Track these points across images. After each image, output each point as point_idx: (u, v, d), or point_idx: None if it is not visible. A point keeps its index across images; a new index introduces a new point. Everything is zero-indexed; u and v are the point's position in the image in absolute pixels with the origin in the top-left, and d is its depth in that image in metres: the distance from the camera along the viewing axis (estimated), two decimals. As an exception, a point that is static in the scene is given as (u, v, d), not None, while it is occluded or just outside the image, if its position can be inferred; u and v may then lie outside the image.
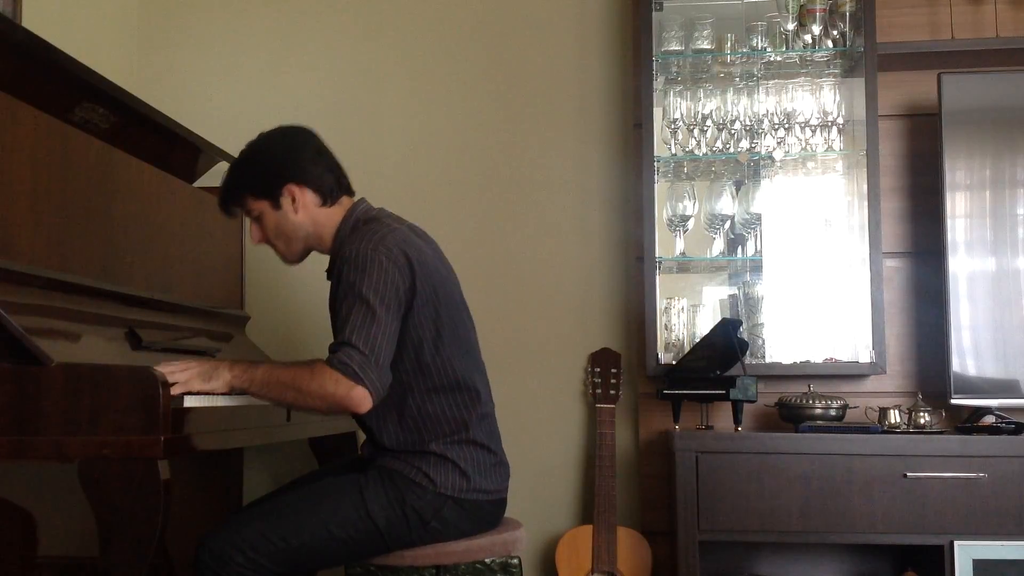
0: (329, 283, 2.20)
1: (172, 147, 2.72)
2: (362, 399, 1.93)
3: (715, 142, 3.05)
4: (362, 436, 2.26)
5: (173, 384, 1.81)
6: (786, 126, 3.01)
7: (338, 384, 1.92)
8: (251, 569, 1.93)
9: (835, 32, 3.00)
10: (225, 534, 1.96)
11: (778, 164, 3.06)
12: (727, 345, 2.76)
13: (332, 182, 2.21)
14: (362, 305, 1.99)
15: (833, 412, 2.78)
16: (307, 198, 2.19)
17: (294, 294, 3.28)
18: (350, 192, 2.27)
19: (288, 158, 2.20)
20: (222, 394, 1.97)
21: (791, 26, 3.01)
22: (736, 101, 3.05)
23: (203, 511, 2.83)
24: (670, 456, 2.76)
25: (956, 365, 2.82)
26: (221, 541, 1.94)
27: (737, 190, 3.08)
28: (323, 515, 2.01)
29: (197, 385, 1.91)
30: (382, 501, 2.03)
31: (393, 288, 2.02)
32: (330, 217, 2.21)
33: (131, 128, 2.48)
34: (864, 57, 2.92)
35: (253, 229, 2.25)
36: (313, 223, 2.20)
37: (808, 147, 3.02)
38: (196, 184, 2.93)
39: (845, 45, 2.99)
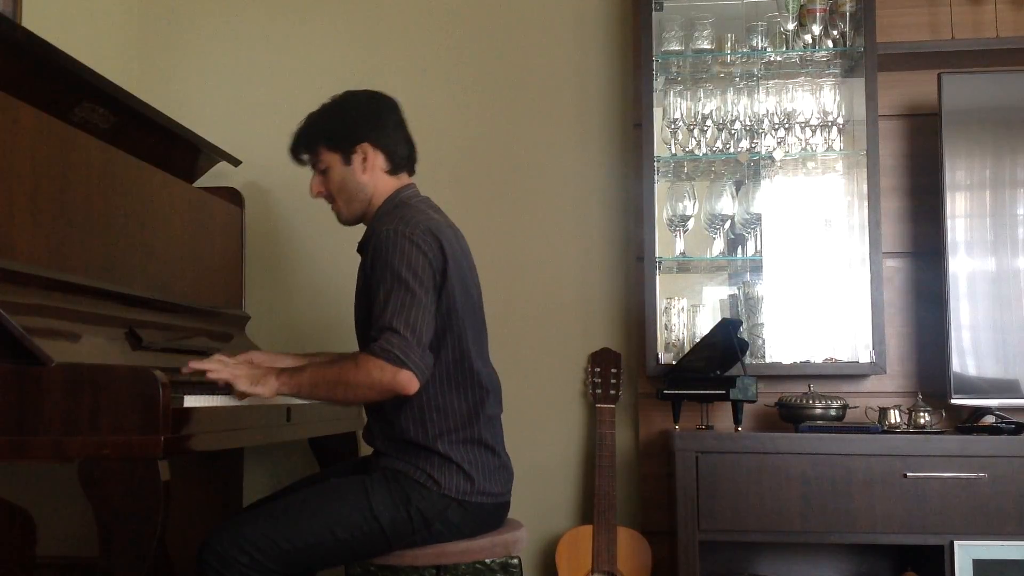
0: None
1: (172, 147, 2.72)
2: (408, 381, 1.98)
3: (715, 142, 3.05)
4: (364, 446, 2.26)
5: (220, 375, 1.98)
6: (786, 126, 3.01)
7: (383, 371, 1.97)
8: (255, 570, 1.93)
9: (835, 32, 3.00)
10: (229, 535, 1.96)
11: (778, 164, 3.06)
12: (727, 345, 2.75)
13: (404, 154, 2.27)
14: (400, 286, 2.02)
15: (833, 412, 2.78)
16: (378, 161, 2.23)
17: (294, 294, 3.28)
18: (411, 171, 2.32)
19: (371, 118, 2.24)
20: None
21: (791, 26, 3.01)
22: (736, 101, 3.05)
23: (203, 511, 2.83)
24: (670, 456, 2.76)
25: (956, 365, 2.82)
26: (225, 542, 1.94)
27: (737, 190, 3.08)
28: (328, 516, 2.01)
29: (244, 385, 1.99)
30: (387, 502, 2.03)
31: (429, 268, 2.07)
32: (387, 187, 2.25)
33: (131, 128, 2.48)
34: (864, 57, 2.92)
35: (315, 182, 2.28)
36: (374, 187, 2.24)
37: (808, 147, 3.02)
38: (196, 184, 2.93)
39: (845, 45, 2.99)
